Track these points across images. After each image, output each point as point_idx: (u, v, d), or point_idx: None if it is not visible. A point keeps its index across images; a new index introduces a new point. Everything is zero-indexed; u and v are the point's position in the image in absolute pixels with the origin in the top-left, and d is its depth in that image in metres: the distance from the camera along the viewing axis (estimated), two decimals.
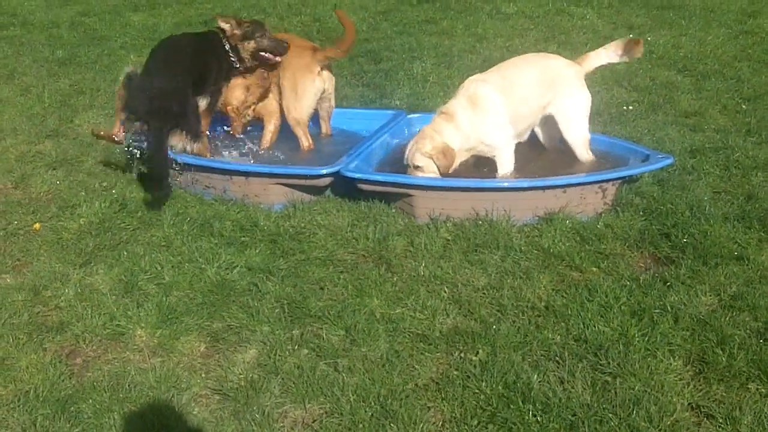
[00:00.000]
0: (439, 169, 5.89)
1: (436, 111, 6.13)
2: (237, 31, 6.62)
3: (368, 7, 12.67)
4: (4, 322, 4.80)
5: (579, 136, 6.21)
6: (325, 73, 6.80)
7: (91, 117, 8.16)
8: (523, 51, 9.35)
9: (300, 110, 6.75)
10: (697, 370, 4.20)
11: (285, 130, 6.96)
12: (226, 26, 6.63)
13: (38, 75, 9.71)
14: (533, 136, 6.49)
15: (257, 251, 5.45)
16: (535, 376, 4.14)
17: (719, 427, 3.85)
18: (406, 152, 6.03)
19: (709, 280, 4.92)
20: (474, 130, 5.99)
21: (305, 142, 6.80)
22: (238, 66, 6.68)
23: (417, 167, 5.93)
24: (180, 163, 6.28)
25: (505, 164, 6.14)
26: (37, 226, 5.93)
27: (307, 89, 6.72)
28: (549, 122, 6.30)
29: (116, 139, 6.52)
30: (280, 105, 6.87)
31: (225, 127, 7.03)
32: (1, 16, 13.19)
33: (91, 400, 4.14)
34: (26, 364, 4.44)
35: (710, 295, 4.78)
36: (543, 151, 6.54)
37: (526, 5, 12.37)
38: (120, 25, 12.23)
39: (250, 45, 6.64)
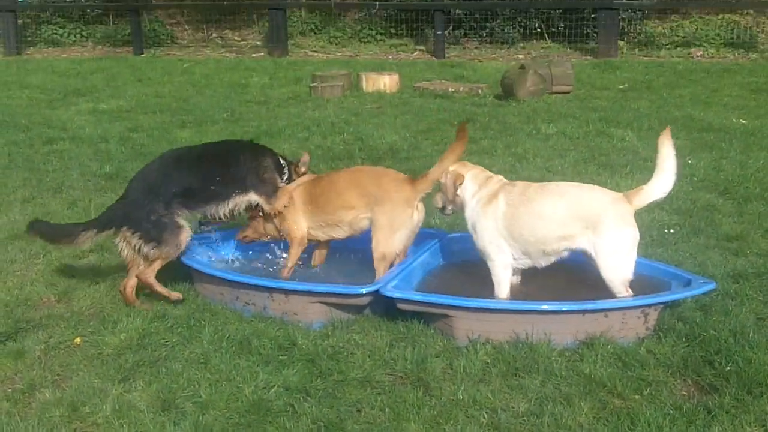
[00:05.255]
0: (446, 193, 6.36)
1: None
2: None
3: (410, 126, 12.92)
4: None
5: (616, 277, 5.91)
6: (420, 205, 6.52)
7: None
8: (563, 172, 9.48)
9: (391, 246, 6.41)
10: None
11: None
12: None
13: (85, 189, 9.92)
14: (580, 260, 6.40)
15: (295, 371, 5.41)
16: None
17: None
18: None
19: (754, 409, 4.80)
20: (474, 223, 6.23)
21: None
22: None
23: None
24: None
25: (497, 285, 6.14)
26: (78, 340, 5.96)
27: (405, 224, 6.42)
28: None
29: None
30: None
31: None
32: (51, 130, 13.59)
33: None
34: None
35: (755, 426, 4.67)
36: (585, 274, 6.42)
37: (566, 126, 12.55)
38: (167, 141, 12.50)
39: None
